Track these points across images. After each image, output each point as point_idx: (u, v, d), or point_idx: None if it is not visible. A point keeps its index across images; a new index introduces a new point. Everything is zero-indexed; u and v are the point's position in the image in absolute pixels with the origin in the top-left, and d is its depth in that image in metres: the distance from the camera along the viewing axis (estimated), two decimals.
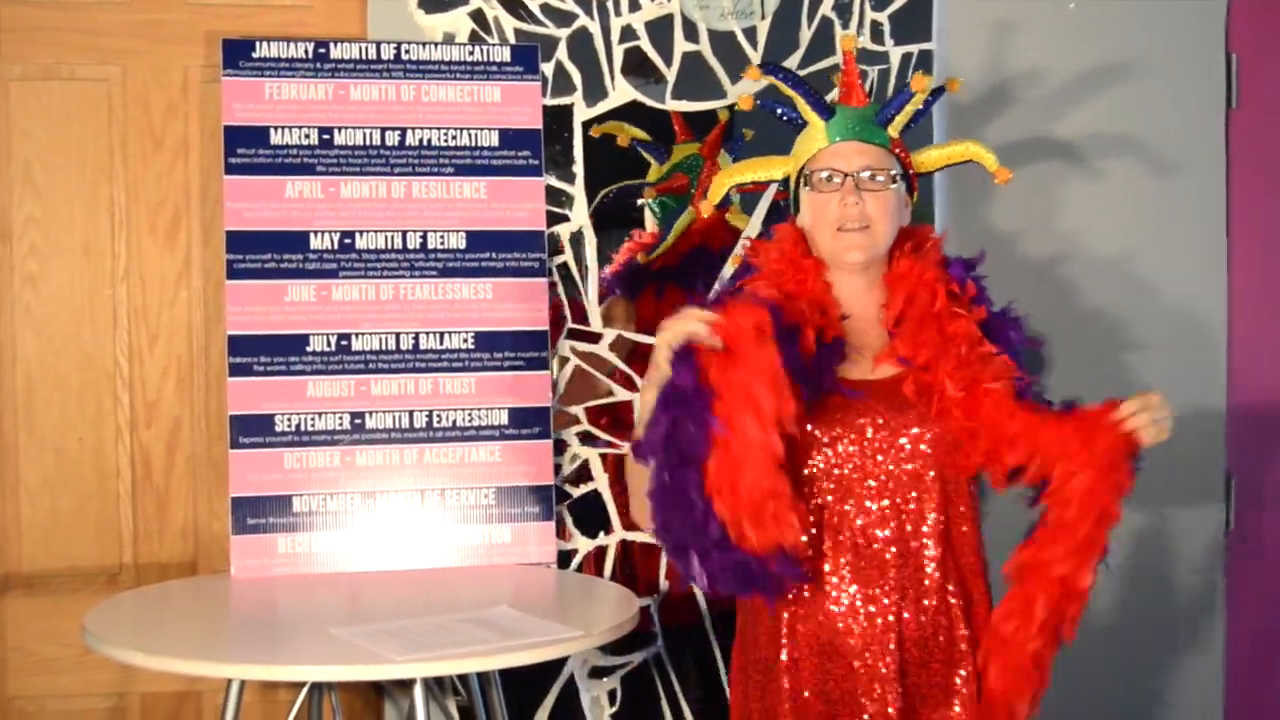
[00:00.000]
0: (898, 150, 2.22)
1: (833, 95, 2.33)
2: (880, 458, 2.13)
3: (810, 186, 2.18)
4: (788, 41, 2.92)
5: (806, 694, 2.11)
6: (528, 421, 2.72)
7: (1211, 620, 3.14)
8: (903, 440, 2.13)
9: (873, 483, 2.13)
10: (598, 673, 2.89)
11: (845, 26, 2.93)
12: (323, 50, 2.72)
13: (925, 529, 2.12)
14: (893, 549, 2.11)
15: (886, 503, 2.12)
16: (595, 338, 2.88)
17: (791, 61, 2.90)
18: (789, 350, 2.04)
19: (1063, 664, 3.09)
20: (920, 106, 2.26)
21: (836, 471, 2.13)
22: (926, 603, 2.11)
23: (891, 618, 2.10)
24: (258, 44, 2.70)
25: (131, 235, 2.81)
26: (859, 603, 2.11)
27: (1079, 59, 3.06)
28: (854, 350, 2.19)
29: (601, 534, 2.87)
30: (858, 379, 2.17)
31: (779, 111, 2.28)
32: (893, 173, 2.17)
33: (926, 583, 2.12)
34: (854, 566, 2.11)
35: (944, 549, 2.12)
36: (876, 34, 2.95)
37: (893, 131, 2.22)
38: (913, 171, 2.26)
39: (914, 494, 2.13)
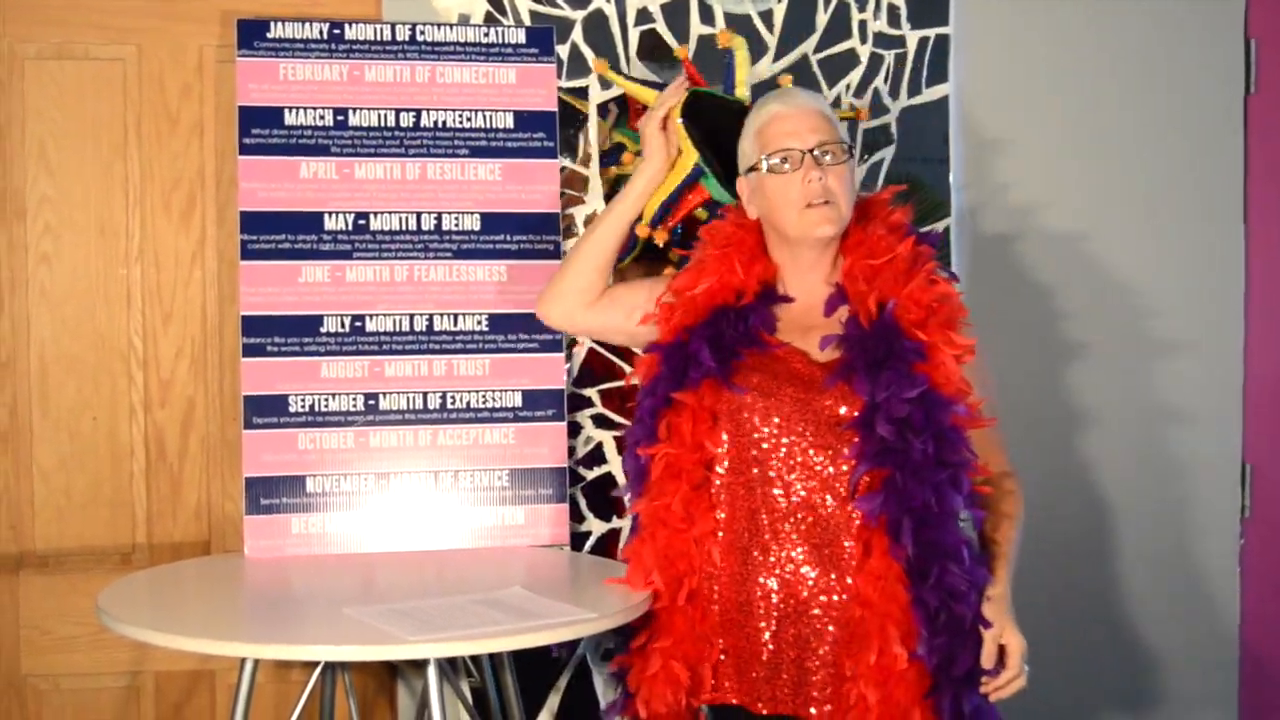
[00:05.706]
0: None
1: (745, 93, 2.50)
2: (804, 430, 2.16)
3: (769, 171, 2.21)
4: (804, 24, 2.91)
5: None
6: (541, 404, 2.72)
7: (1227, 608, 3.14)
8: (828, 413, 2.15)
9: (799, 456, 2.16)
10: (610, 654, 2.89)
11: (862, 9, 2.92)
12: (337, 31, 2.72)
13: (833, 501, 2.15)
14: (810, 518, 2.15)
15: (812, 480, 2.15)
16: None
17: (808, 45, 2.90)
18: (719, 327, 2.21)
19: (1077, 649, 3.09)
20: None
21: (760, 439, 2.17)
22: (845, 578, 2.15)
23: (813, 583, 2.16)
24: (272, 24, 2.70)
25: (146, 215, 2.81)
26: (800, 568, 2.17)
27: (1098, 43, 3.04)
28: (797, 330, 2.25)
29: (614, 516, 2.87)
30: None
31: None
32: (845, 145, 2.23)
33: (845, 554, 2.15)
34: (774, 532, 2.17)
35: (861, 520, 2.14)
36: (893, 18, 2.94)
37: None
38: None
39: (834, 470, 2.15)
